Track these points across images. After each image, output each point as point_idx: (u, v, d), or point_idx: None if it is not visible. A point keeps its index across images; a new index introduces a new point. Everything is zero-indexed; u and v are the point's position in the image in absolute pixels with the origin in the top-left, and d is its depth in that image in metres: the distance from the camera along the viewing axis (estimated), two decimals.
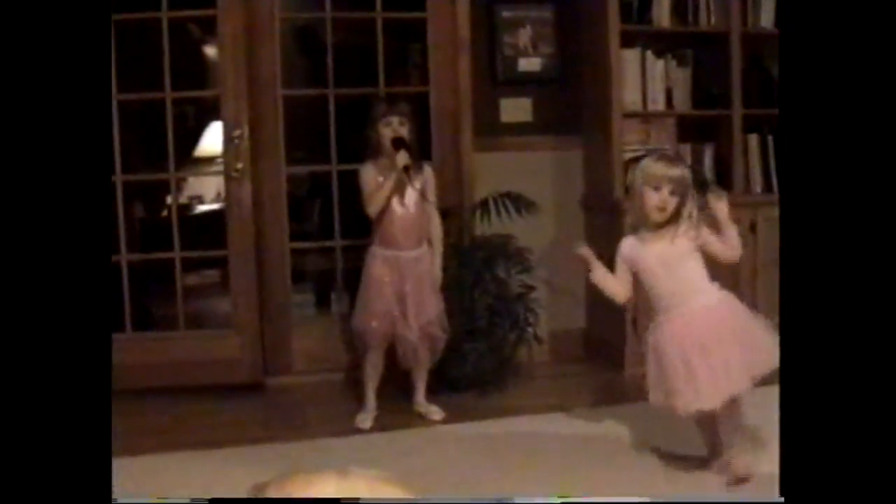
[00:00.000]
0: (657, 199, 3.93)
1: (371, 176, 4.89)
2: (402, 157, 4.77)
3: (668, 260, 4.00)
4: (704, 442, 4.16)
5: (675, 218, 3.97)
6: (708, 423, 4.06)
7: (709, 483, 3.99)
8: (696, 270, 4.02)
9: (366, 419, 4.96)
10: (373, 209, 4.85)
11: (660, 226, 3.99)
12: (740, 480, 3.92)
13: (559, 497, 3.69)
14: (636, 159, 6.08)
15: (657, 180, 3.93)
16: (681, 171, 3.98)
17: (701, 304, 4.00)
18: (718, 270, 5.99)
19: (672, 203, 3.94)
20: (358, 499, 2.96)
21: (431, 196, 5.02)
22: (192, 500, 3.16)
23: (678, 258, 3.99)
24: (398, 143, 4.80)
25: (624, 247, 4.13)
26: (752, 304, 5.99)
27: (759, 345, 3.86)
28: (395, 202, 4.86)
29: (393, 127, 4.85)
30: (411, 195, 4.88)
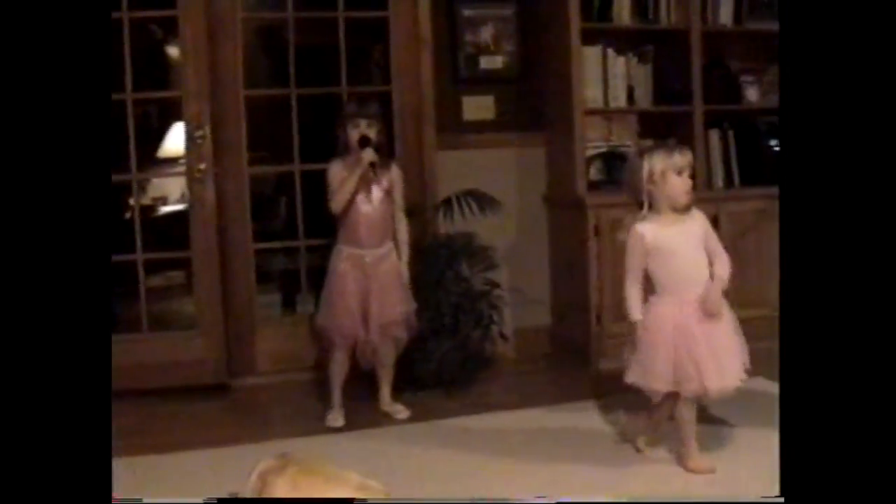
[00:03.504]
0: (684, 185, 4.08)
1: (338, 173, 4.89)
2: (368, 154, 4.80)
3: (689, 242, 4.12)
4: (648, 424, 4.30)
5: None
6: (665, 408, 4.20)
7: (674, 476, 4.02)
8: (703, 259, 4.14)
9: (337, 418, 4.96)
10: (337, 205, 4.86)
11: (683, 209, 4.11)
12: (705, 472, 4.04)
13: (558, 497, 3.70)
14: (599, 156, 6.13)
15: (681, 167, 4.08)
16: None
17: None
18: None
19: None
20: (366, 500, 2.99)
21: (399, 196, 5.04)
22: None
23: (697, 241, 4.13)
24: (364, 141, 4.81)
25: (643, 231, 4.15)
26: None
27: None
28: (360, 200, 4.87)
29: (360, 129, 4.86)
30: (376, 193, 4.89)
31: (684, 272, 4.09)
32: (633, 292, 4.11)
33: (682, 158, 4.07)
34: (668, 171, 4.04)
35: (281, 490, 3.02)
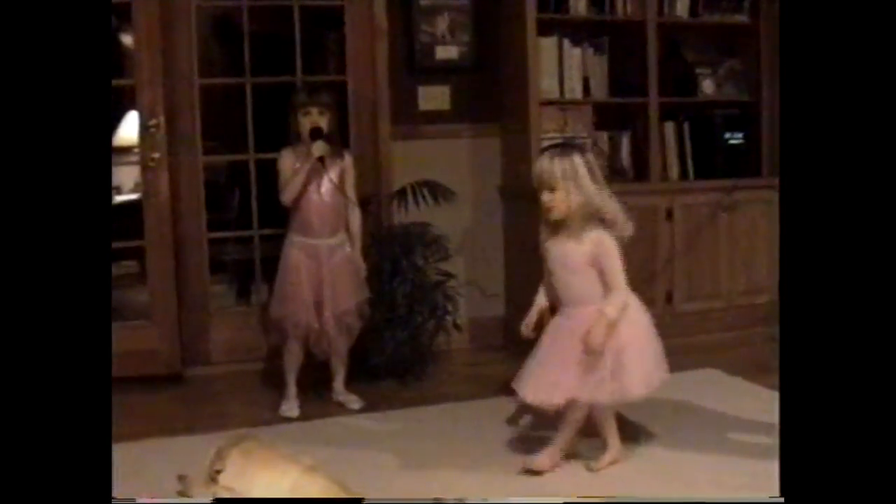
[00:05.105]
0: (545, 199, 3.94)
1: (289, 162, 4.88)
2: (318, 147, 4.78)
3: (563, 262, 4.00)
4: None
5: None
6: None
7: (629, 465, 4.04)
8: (584, 282, 3.98)
9: (291, 408, 4.96)
10: (286, 196, 4.85)
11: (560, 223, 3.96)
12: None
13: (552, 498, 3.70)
14: (553, 147, 6.13)
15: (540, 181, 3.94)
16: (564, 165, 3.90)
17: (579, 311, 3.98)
18: (633, 257, 6.09)
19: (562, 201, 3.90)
20: (362, 498, 3.00)
21: (350, 185, 5.02)
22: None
23: (572, 264, 3.98)
24: (315, 133, 4.80)
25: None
26: (669, 291, 6.12)
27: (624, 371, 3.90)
28: (311, 190, 4.86)
29: (312, 118, 4.84)
30: (328, 183, 4.88)
31: (559, 289, 4.03)
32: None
33: (543, 172, 3.91)
34: (539, 185, 3.94)
35: (234, 457, 3.04)
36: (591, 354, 3.84)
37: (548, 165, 3.90)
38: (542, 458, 4.01)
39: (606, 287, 3.91)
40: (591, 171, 3.90)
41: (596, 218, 3.90)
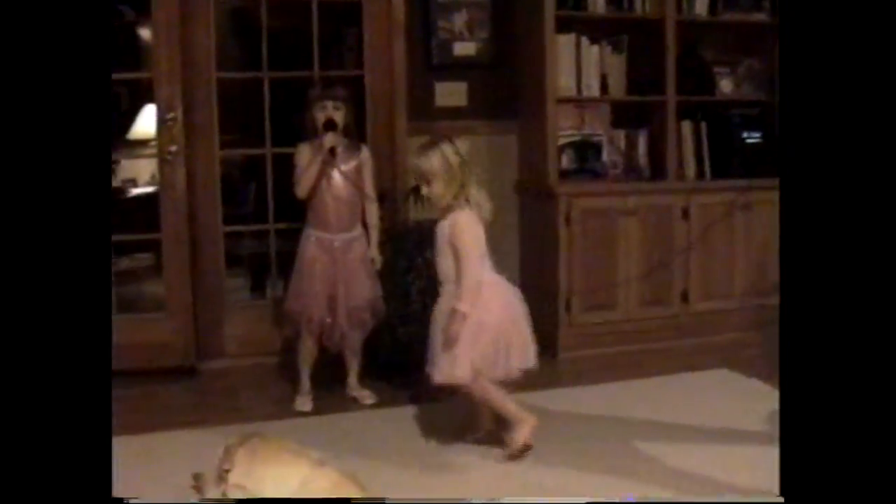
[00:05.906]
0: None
1: (306, 157, 4.89)
2: (329, 139, 4.81)
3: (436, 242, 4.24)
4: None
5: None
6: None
7: (640, 464, 4.03)
8: (447, 261, 4.19)
9: (305, 402, 4.98)
10: (300, 190, 4.87)
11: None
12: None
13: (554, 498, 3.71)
14: (571, 144, 6.13)
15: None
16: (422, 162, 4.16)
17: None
18: (649, 256, 6.08)
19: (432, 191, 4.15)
20: (383, 499, 3.00)
21: (368, 179, 5.02)
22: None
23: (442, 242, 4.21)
24: (328, 125, 4.81)
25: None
26: (684, 291, 6.11)
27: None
28: (325, 184, 4.87)
29: (327, 112, 4.86)
30: (342, 177, 4.89)
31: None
32: None
33: (416, 168, 4.23)
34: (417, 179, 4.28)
35: (241, 455, 3.05)
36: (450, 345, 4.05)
37: (418, 161, 4.18)
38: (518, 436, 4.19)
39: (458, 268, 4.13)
40: (457, 159, 4.14)
41: (464, 200, 4.14)
